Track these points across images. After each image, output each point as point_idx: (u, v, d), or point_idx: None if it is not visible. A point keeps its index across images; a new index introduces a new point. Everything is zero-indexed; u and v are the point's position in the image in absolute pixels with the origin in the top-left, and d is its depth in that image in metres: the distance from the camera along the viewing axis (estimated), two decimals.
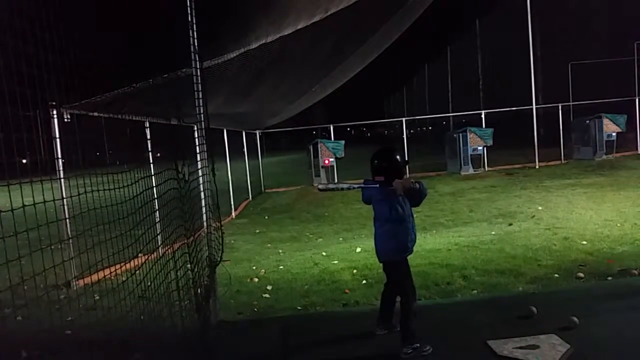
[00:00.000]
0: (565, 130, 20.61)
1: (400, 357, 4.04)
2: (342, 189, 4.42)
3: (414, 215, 4.32)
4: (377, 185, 4.20)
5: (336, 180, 19.88)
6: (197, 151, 4.94)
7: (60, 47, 2.70)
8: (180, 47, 4.67)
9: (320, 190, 4.50)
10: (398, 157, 4.31)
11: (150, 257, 3.52)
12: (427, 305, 5.42)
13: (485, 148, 19.64)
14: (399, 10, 7.67)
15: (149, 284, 3.35)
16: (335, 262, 7.54)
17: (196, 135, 4.98)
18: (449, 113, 32.72)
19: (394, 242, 4.19)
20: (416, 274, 6.34)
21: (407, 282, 4.25)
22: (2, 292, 2.37)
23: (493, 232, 8.64)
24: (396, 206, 4.12)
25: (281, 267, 7.64)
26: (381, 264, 4.43)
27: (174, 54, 4.80)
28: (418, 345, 4.07)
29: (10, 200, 2.23)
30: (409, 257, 4.28)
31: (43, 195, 2.53)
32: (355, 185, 4.42)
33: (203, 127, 4.90)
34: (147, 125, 6.36)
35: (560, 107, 20.51)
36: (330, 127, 21.12)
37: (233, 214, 14.20)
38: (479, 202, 12.35)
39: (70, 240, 4.73)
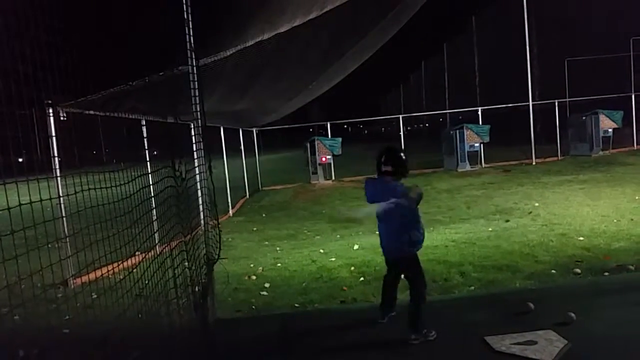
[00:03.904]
0: (562, 126, 20.64)
1: (409, 343, 4.21)
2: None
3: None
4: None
5: (333, 177, 19.89)
6: (194, 149, 4.93)
7: (56, 45, 2.69)
8: (177, 45, 4.65)
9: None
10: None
11: (147, 256, 3.52)
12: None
13: (482, 145, 19.68)
14: (395, 7, 7.66)
15: (147, 282, 3.34)
16: (333, 259, 7.55)
17: (193, 133, 4.97)
18: (446, 110, 32.81)
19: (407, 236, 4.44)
20: None
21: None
22: None
23: (490, 229, 8.66)
24: None
25: (279, 264, 7.65)
26: (393, 259, 4.58)
27: (170, 52, 4.78)
28: (425, 330, 4.23)
29: (7, 199, 2.22)
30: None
31: (39, 193, 2.52)
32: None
33: (200, 125, 4.89)
34: (144, 124, 6.34)
35: (556, 104, 20.55)
36: (327, 124, 21.11)
37: (230, 211, 14.19)
38: (476, 199, 12.37)
39: (67, 239, 4.72)
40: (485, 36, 32.87)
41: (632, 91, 21.48)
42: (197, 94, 4.82)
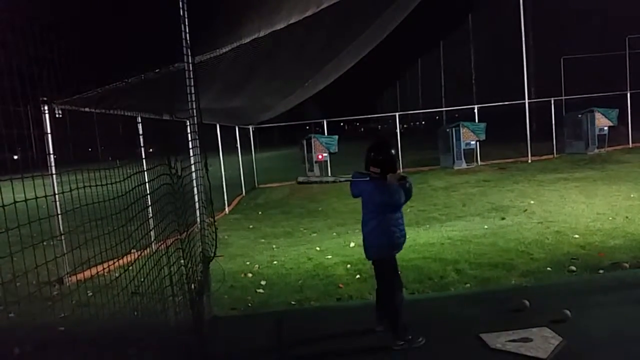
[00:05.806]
0: (558, 124, 20.69)
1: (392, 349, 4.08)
2: (326, 182, 4.43)
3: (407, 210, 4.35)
4: (368, 179, 4.20)
5: (329, 174, 19.89)
6: (190, 146, 4.91)
7: (51, 42, 2.67)
8: (173, 42, 4.64)
9: (299, 183, 4.53)
10: (393, 151, 4.32)
11: (143, 253, 3.51)
12: (421, 299, 5.45)
13: (478, 142, 19.69)
14: (392, 4, 7.65)
15: (143, 279, 3.33)
16: (329, 256, 7.55)
17: (189, 131, 4.96)
18: (442, 108, 32.85)
19: (385, 237, 4.18)
20: (410, 268, 6.40)
21: (397, 278, 4.27)
22: None
23: (486, 226, 8.68)
24: (393, 198, 4.13)
25: (275, 262, 7.64)
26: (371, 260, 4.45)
27: (166, 49, 4.76)
28: (410, 337, 4.10)
29: (1, 197, 2.21)
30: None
31: (34, 191, 2.51)
32: (342, 179, 4.40)
33: (195, 122, 4.88)
34: (139, 121, 6.32)
35: (552, 102, 20.58)
36: (323, 122, 21.10)
37: (226, 209, 14.18)
38: (472, 197, 12.39)
39: (63, 237, 4.71)
40: (482, 34, 32.86)
41: (628, 89, 21.54)
42: (192, 91, 4.81)
